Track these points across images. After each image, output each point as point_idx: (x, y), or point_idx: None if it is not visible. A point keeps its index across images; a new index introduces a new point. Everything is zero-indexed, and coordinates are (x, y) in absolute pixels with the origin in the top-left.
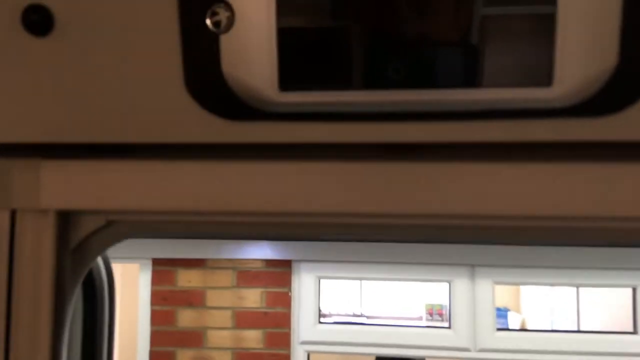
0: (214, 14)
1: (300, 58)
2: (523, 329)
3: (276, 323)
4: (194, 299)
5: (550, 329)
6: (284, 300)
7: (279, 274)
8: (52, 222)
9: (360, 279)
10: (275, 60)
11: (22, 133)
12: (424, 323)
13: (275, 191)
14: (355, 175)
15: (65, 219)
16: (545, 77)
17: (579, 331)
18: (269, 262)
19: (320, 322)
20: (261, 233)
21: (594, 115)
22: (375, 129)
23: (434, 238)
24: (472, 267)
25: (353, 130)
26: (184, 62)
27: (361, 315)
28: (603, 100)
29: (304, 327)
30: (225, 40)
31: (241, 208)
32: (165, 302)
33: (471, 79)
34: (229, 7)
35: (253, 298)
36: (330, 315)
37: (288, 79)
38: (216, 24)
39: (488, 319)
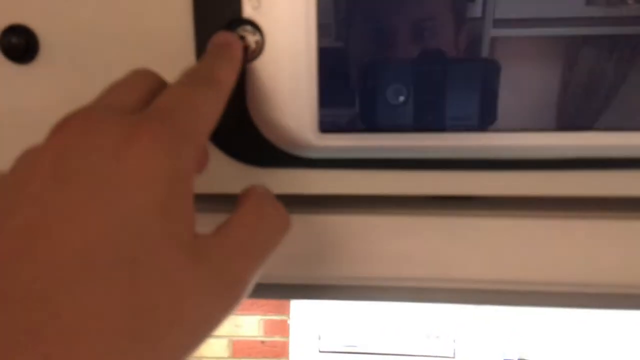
0: (240, 38)
1: (347, 92)
2: None
3: (275, 353)
4: None
5: None
6: (282, 329)
7: (277, 302)
8: None
9: (362, 300)
10: (315, 94)
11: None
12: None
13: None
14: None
15: None
16: None
17: None
18: None
19: (320, 352)
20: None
21: None
22: (447, 179)
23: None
24: None
25: (415, 179)
26: None
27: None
28: None
29: (304, 357)
30: (251, 71)
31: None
32: None
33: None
34: (258, 30)
35: (250, 326)
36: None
37: (331, 117)
38: (242, 50)
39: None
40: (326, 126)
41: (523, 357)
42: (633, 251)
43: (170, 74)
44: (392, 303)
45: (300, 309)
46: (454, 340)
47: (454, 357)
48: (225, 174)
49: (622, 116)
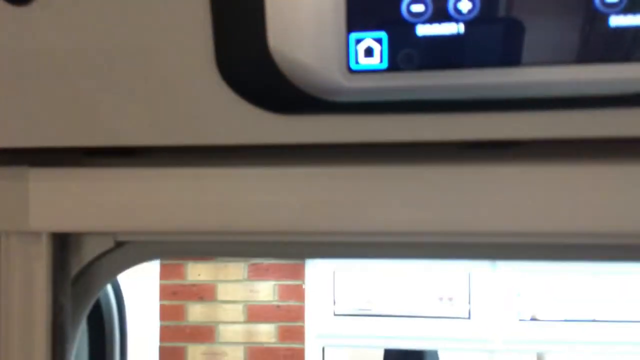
0: None
1: (378, 25)
2: (548, 319)
3: (290, 317)
4: (204, 293)
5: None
6: (298, 293)
7: (292, 266)
8: (46, 246)
9: (376, 269)
10: (343, 29)
11: (1, 136)
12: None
13: (330, 203)
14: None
15: (63, 243)
16: None
17: (596, 320)
18: None
19: (336, 315)
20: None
21: None
22: (485, 121)
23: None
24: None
25: (455, 123)
26: (215, 35)
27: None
28: None
29: (320, 321)
30: (273, 5)
31: (290, 227)
32: (175, 296)
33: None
34: None
35: (265, 291)
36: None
37: (361, 55)
38: None
39: (509, 309)
40: (355, 65)
41: (535, 316)
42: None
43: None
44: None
45: (315, 273)
46: (469, 302)
47: (469, 318)
48: (241, 121)
49: None
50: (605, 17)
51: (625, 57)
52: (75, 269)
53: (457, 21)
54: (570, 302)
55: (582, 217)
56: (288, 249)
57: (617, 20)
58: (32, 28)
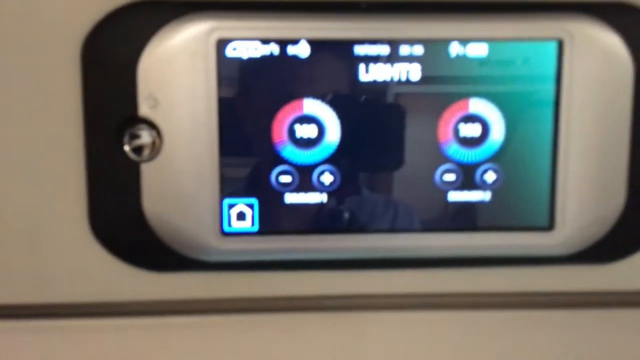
0: (134, 136)
1: (250, 193)
2: None
3: None
4: None
5: None
6: None
7: None
8: None
9: None
10: (217, 195)
11: None
12: None
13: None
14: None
15: None
16: (546, 221)
17: None
18: None
19: None
20: None
21: (596, 263)
22: (345, 279)
23: None
24: None
25: (315, 281)
26: (89, 197)
27: None
28: (608, 247)
29: None
30: (147, 171)
31: None
32: None
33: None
34: (156, 129)
35: None
36: None
37: (234, 219)
38: (137, 149)
39: None
40: (228, 228)
41: None
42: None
43: (59, 169)
44: None
45: None
46: None
47: None
48: (121, 280)
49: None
50: (445, 193)
51: (461, 227)
52: None
53: (320, 191)
54: None
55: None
56: None
57: (454, 196)
58: None
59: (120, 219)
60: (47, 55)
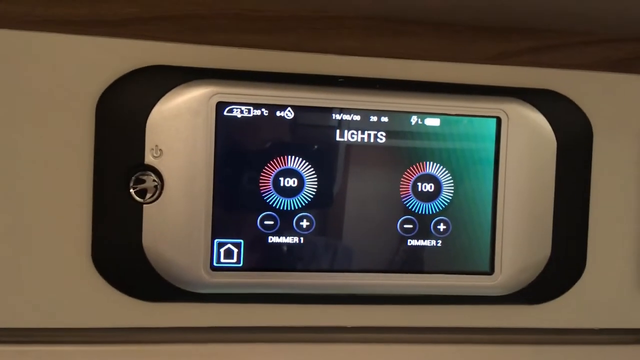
0: (140, 181)
1: (237, 235)
2: None
3: None
4: None
5: None
6: None
7: None
8: None
9: None
10: (209, 235)
11: None
12: None
13: None
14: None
15: None
16: (487, 266)
17: None
18: None
19: None
20: None
21: (527, 303)
22: (317, 312)
23: None
24: None
25: (292, 313)
26: (94, 232)
27: None
28: (538, 290)
29: None
30: (149, 212)
31: None
32: None
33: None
34: (159, 175)
35: None
36: None
37: (222, 256)
38: (140, 192)
39: None
40: (217, 263)
41: None
42: None
43: (69, 206)
44: None
45: None
46: None
47: None
48: (119, 309)
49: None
50: (405, 239)
51: (416, 269)
52: None
53: (299, 235)
54: None
55: None
56: None
57: (412, 242)
58: None
59: (122, 253)
60: (68, 107)
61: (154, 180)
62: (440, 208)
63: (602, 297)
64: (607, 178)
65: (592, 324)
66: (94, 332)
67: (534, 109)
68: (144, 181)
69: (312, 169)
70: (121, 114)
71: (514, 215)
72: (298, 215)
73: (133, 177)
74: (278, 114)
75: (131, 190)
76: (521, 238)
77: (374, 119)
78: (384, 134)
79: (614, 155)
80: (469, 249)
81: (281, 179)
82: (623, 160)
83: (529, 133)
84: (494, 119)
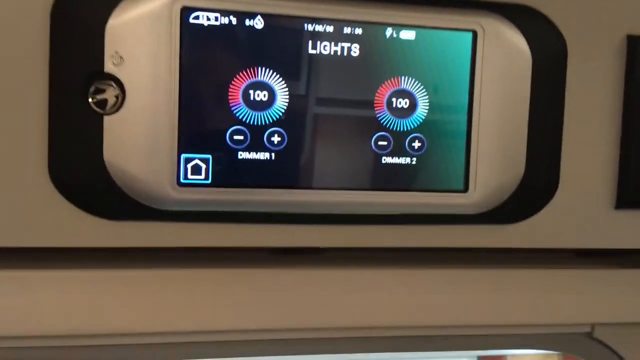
0: (99, 90)
1: (205, 149)
2: None
3: None
4: None
5: None
6: None
7: None
8: None
9: None
10: (175, 148)
11: None
12: None
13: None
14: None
15: None
16: (461, 184)
17: None
18: None
19: None
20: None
21: (503, 222)
22: (281, 232)
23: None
24: None
25: (264, 233)
26: (50, 146)
27: None
28: (512, 209)
29: None
30: (110, 124)
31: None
32: None
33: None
34: (120, 85)
35: None
36: None
37: (189, 172)
38: (100, 103)
39: None
40: (184, 180)
41: None
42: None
43: (23, 118)
44: None
45: None
46: None
47: None
48: (79, 227)
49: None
50: (379, 157)
51: (391, 187)
52: None
53: (270, 151)
54: None
55: (379, 314)
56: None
57: (386, 159)
58: None
59: (81, 168)
60: (19, 12)
61: (115, 90)
62: (415, 125)
63: (577, 217)
64: (582, 97)
65: (566, 244)
66: (52, 253)
67: (511, 24)
68: (103, 91)
69: (283, 82)
70: (77, 18)
71: (489, 133)
72: (269, 131)
73: (92, 87)
74: (247, 22)
75: (90, 100)
76: (495, 156)
77: (347, 30)
78: (357, 46)
79: (588, 74)
80: (443, 167)
81: (251, 91)
82: (598, 79)
83: (505, 48)
84: (470, 33)
